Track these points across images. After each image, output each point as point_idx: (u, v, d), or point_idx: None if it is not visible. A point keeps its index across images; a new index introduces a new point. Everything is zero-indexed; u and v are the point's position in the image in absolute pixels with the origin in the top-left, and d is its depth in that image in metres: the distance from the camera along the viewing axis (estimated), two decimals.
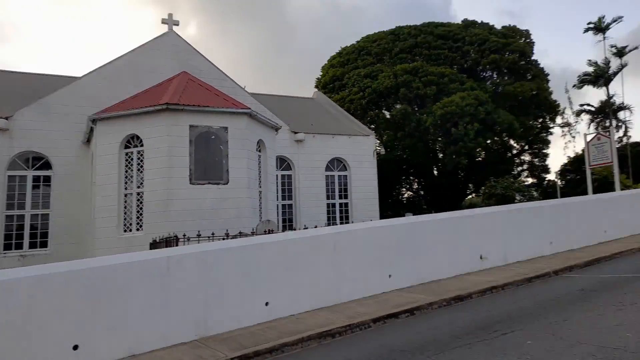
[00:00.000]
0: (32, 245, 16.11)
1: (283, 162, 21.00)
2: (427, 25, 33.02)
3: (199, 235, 10.21)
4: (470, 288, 9.92)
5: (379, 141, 33.27)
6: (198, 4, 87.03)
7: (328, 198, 22.07)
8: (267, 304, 8.61)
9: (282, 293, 8.86)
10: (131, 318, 7.24)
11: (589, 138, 19.20)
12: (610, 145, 17.97)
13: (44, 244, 16.19)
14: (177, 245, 9.83)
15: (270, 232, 11.14)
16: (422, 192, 37.51)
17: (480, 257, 12.30)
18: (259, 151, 15.38)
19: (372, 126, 31.24)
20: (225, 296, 8.17)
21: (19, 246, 15.90)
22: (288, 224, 20.87)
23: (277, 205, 20.34)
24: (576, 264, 11.55)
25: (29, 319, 6.46)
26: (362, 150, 22.87)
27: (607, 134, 18.96)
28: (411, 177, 36.20)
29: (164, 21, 18.71)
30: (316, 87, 35.09)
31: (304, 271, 9.22)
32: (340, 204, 22.46)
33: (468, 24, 33.28)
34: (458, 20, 34.29)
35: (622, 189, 19.85)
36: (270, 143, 16.10)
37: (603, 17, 33.68)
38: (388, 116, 30.31)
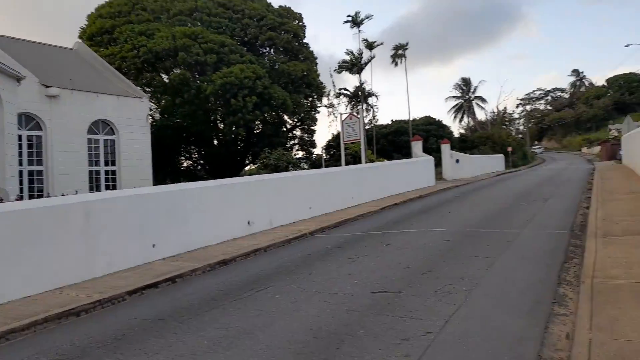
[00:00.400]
0: None
1: (30, 121, 17.51)
2: None
3: None
4: (235, 252, 10.26)
5: (155, 106, 31.15)
6: None
7: (91, 164, 19.57)
8: None
9: (13, 274, 7.45)
10: None
11: (343, 117, 22.04)
12: (359, 124, 21.06)
13: None
14: None
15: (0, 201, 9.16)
16: (202, 162, 37.08)
17: (248, 223, 12.83)
18: None
19: (148, 89, 28.95)
20: None
21: None
22: (37, 193, 17.70)
23: (22, 171, 16.98)
24: (328, 226, 13.17)
25: None
26: (133, 114, 20.93)
27: (357, 114, 22.10)
28: (191, 146, 35.31)
29: None
30: (80, 37, 30.35)
31: (46, 246, 7.93)
32: (107, 172, 20.24)
33: None
34: None
35: (367, 162, 23.54)
36: (10, 96, 13.15)
37: (359, 13, 39.01)
38: (166, 80, 28.55)
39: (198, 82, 27.14)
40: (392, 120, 49.18)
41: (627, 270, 5.15)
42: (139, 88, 24.14)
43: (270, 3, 34.74)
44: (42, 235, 7.91)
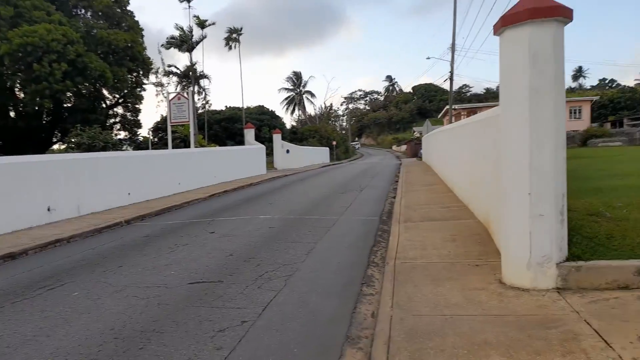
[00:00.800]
0: None
1: None
2: None
3: None
4: (29, 243, 8.67)
5: None
6: None
7: None
8: None
9: None
10: None
11: (171, 97, 20.64)
12: (189, 106, 19.98)
13: None
14: None
15: None
16: None
17: (48, 209, 11.01)
18: None
19: None
20: None
21: None
22: None
23: None
24: (148, 213, 12.13)
25: None
26: None
27: (186, 95, 20.95)
28: None
29: None
30: None
31: None
32: None
33: None
34: None
35: (197, 147, 22.58)
36: None
37: None
38: None
39: None
40: (226, 106, 48.37)
41: (422, 251, 5.85)
42: None
43: None
44: None
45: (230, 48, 45.18)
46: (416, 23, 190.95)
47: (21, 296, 5.49)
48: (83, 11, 29.58)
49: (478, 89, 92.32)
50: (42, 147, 29.87)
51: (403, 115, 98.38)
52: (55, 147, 33.52)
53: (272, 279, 5.50)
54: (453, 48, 31.35)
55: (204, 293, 5.15)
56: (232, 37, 44.45)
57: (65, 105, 28.89)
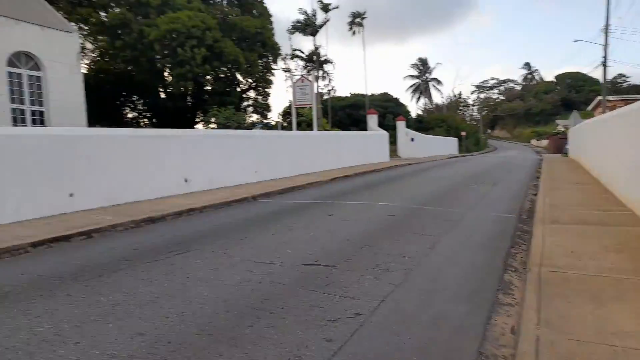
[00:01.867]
0: None
1: None
2: None
3: None
4: (167, 210, 9.39)
5: (93, 47, 28.48)
6: None
7: (14, 102, 17.51)
8: None
9: None
10: None
11: (295, 79, 21.01)
12: (312, 89, 20.14)
13: None
14: None
15: None
16: (148, 115, 34.82)
17: (185, 180, 11.90)
18: None
19: (85, 27, 26.20)
20: None
21: None
22: None
23: None
24: (273, 191, 12.46)
25: None
26: (61, 50, 18.71)
27: (310, 78, 21.15)
28: (135, 96, 32.94)
29: None
30: None
31: None
32: (34, 112, 18.23)
33: None
34: None
35: (321, 131, 22.85)
36: None
37: None
38: (105, 19, 25.94)
39: (141, 25, 24.80)
40: (350, 93, 48.53)
41: (576, 260, 4.83)
42: (73, 25, 21.74)
43: None
44: None
45: (353, 33, 44.97)
46: (559, 3, 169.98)
47: (151, 258, 5.81)
48: None
49: (636, 79, 79.11)
50: (186, 125, 32.97)
51: (543, 106, 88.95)
52: (199, 126, 36.94)
53: (390, 271, 5.01)
54: (607, 30, 27.00)
55: (317, 277, 4.87)
56: (356, 21, 44.09)
57: (205, 87, 31.46)
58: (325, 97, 41.56)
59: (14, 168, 7.96)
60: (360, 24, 43.94)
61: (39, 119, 18.52)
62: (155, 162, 11.02)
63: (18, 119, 17.80)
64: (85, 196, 9.24)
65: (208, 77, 28.07)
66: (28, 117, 18.14)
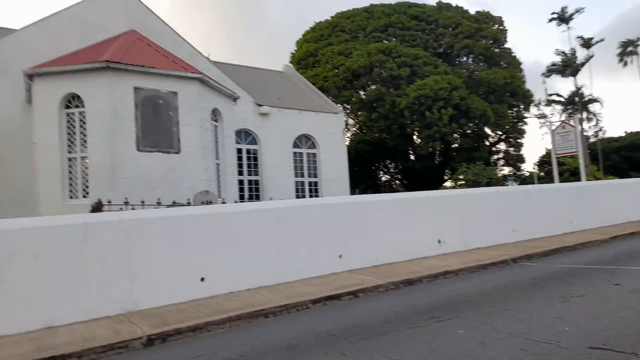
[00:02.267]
0: None
1: (248, 136, 20.21)
2: (401, 5, 32.47)
3: (126, 202, 9.51)
4: (422, 272, 9.52)
5: (354, 121, 32.69)
6: None
7: (297, 176, 21.43)
8: (202, 279, 8.06)
9: (219, 269, 8.30)
10: (46, 288, 6.63)
11: (554, 127, 18.95)
12: (576, 135, 17.69)
13: None
14: (101, 211, 9.14)
15: (208, 203, 10.49)
16: (399, 176, 37.20)
17: (439, 242, 11.91)
18: (215, 121, 14.56)
19: (348, 106, 30.53)
20: (155, 269, 7.57)
21: None
22: (255, 200, 20.23)
23: (243, 180, 19.63)
24: (536, 252, 11.23)
25: None
26: (330, 129, 22.19)
27: (572, 122, 18.70)
28: (388, 160, 35.80)
29: None
30: (291, 62, 34.19)
31: (245, 247, 8.65)
32: (310, 183, 21.87)
33: (442, 6, 32.86)
34: (432, 2, 33.79)
35: (590, 180, 19.71)
36: (228, 113, 15.27)
37: (566, 8, 34.40)
38: (363, 96, 29.63)
39: (393, 96, 27.28)
40: (625, 132, 40.83)
41: None
42: (339, 106, 25.60)
43: (467, 10, 32.92)
44: (240, 237, 8.66)
45: (625, 64, 38.34)
46: None
47: (414, 323, 5.89)
48: (465, 58, 32.00)
49: None
50: (435, 184, 33.68)
51: None
52: (448, 184, 37.22)
53: None
54: None
55: None
56: (627, 51, 37.60)
57: (452, 145, 31.75)
58: (593, 139, 36.08)
59: (301, 234, 9.52)
60: (634, 52, 37.47)
61: (313, 189, 22.03)
62: (410, 224, 11.45)
63: (299, 190, 21.60)
64: (350, 257, 10.26)
65: (455, 135, 28.39)
66: (306, 187, 21.82)
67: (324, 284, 8.89)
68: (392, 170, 37.26)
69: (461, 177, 24.51)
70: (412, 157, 33.63)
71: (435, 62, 28.31)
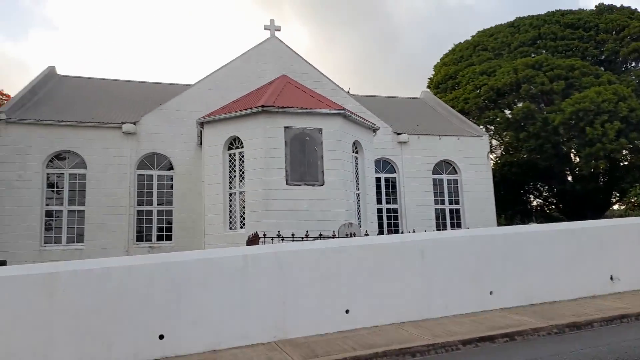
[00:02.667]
0: (160, 238, 17.84)
1: (386, 165, 20.31)
2: (552, 14, 29.82)
3: (279, 235, 10.21)
4: (592, 314, 8.36)
5: (498, 143, 30.63)
6: (307, 15, 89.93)
7: (437, 203, 20.77)
8: (347, 311, 8.22)
9: (364, 301, 8.38)
10: (211, 314, 7.41)
11: None
12: None
13: (169, 237, 17.82)
14: (257, 243, 9.95)
15: (352, 235, 10.69)
16: (554, 200, 33.51)
17: (611, 278, 10.38)
18: (356, 152, 15.00)
19: (491, 127, 28.80)
20: (303, 299, 7.96)
21: (149, 238, 17.73)
22: (393, 228, 20.11)
23: (382, 209, 19.74)
24: None
25: (120, 306, 6.95)
26: (473, 153, 21.13)
27: None
28: (539, 183, 32.57)
29: (266, 27, 19.44)
30: (428, 87, 33.68)
31: (389, 280, 8.60)
32: (451, 210, 21.00)
33: (602, 9, 29.21)
34: (581, 6, 30.33)
35: None
36: (368, 144, 15.64)
37: None
38: (509, 116, 27.65)
39: (544, 113, 24.90)
40: None
41: None
42: (481, 127, 24.31)
43: (635, 9, 28.73)
44: (383, 269, 8.64)
45: None
46: None
47: None
48: (633, 63, 27.91)
49: None
50: (599, 208, 29.50)
51: None
52: (615, 207, 32.28)
53: None
54: None
55: None
56: None
57: (621, 164, 27.56)
58: None
59: (447, 267, 9.13)
60: None
61: (455, 216, 21.09)
62: (574, 257, 10.20)
63: (439, 217, 20.88)
64: (502, 294, 9.47)
65: (624, 151, 24.67)
66: (447, 215, 20.99)
67: (474, 323, 8.34)
68: (545, 193, 33.73)
69: (632, 200, 21.05)
70: (569, 179, 30.04)
71: (596, 71, 25.23)
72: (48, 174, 16.87)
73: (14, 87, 65.88)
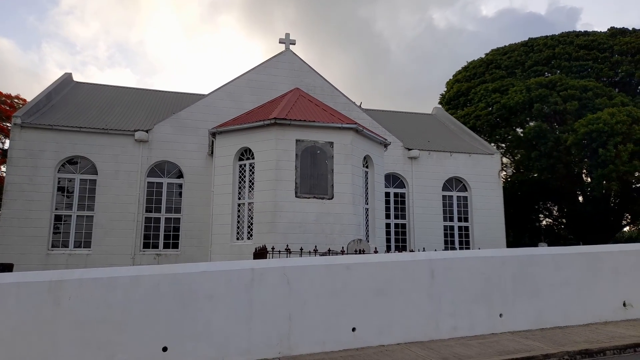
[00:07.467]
0: (166, 246, 17.80)
1: (396, 180, 20.19)
2: (566, 35, 29.76)
3: (287, 250, 10.11)
4: (605, 342, 8.16)
5: (509, 161, 30.39)
6: (303, 35, 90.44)
7: (445, 220, 20.57)
8: (354, 329, 8.09)
9: (370, 320, 8.24)
10: (216, 327, 7.32)
11: None
12: None
13: (175, 245, 17.78)
14: (265, 257, 9.85)
15: (361, 252, 10.56)
16: (563, 221, 33.07)
17: (624, 305, 10.15)
18: (366, 167, 14.91)
19: (502, 145, 28.62)
20: (309, 316, 7.85)
21: (155, 245, 17.70)
22: (401, 244, 19.92)
23: (390, 224, 19.58)
24: None
25: (125, 316, 6.89)
26: (484, 170, 20.96)
27: None
28: (549, 203, 32.19)
29: (281, 41, 19.58)
30: (440, 103, 33.62)
31: (396, 298, 8.46)
32: (460, 227, 20.77)
33: (616, 32, 29.13)
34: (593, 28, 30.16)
35: None
36: (378, 159, 15.55)
37: None
38: (521, 134, 27.45)
39: (557, 132, 24.70)
40: None
41: None
42: (492, 145, 24.15)
43: None
44: (393, 288, 8.49)
45: None
46: None
47: None
48: None
49: None
50: (609, 231, 29.05)
51: None
52: (626, 229, 31.71)
53: None
54: None
55: None
56: None
57: (633, 186, 27.17)
58: None
59: (456, 288, 8.95)
60: None
61: (464, 234, 20.86)
62: (587, 281, 10.00)
63: (448, 234, 20.65)
64: (512, 317, 9.29)
65: (637, 174, 24.30)
66: (456, 232, 20.77)
67: (483, 346, 8.16)
68: (555, 213, 33.31)
69: None
70: (580, 199, 29.65)
71: (609, 93, 25.04)
72: (59, 178, 16.98)
73: (32, 93, 66.95)
